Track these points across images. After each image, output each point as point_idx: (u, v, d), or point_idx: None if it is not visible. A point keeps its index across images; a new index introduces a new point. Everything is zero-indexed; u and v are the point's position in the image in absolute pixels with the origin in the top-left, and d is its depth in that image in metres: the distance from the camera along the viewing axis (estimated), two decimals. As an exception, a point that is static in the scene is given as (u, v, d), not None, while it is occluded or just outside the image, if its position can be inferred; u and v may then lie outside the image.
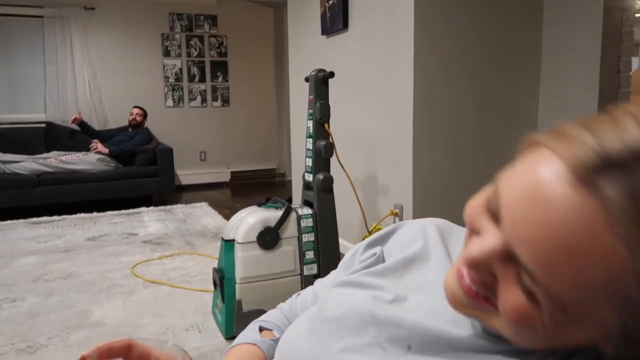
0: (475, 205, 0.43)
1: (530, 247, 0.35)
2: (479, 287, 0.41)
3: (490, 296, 0.41)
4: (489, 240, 0.40)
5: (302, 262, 2.00)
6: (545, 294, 0.35)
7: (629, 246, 0.32)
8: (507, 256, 0.38)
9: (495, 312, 0.40)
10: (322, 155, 2.07)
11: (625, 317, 0.34)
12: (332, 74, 2.08)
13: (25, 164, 4.26)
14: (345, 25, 2.76)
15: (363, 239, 0.69)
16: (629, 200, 0.32)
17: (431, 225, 0.63)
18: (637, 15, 2.33)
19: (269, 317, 0.74)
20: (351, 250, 0.69)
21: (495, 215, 0.40)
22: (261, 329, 0.71)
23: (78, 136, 4.94)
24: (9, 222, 3.92)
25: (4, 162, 4.23)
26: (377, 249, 0.64)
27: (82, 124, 4.84)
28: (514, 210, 0.37)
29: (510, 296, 0.38)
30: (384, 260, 0.63)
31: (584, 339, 0.38)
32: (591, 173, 0.33)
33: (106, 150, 4.57)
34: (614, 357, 0.38)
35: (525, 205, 0.36)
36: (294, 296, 0.77)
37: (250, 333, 0.70)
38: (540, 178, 0.36)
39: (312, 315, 0.57)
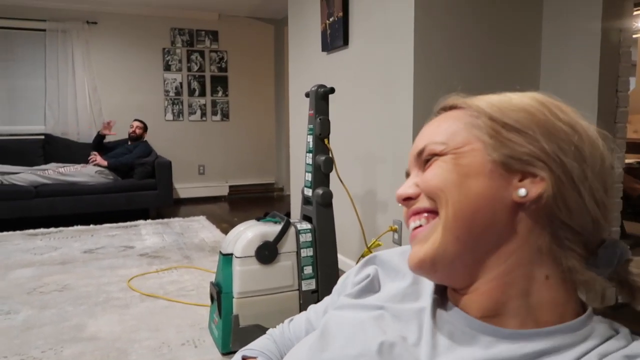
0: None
1: (420, 140, 0.55)
2: (423, 211, 0.53)
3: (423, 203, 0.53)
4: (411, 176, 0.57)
5: (301, 277, 1.98)
6: (432, 144, 0.53)
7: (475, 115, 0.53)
8: (416, 159, 0.55)
9: (435, 219, 0.51)
10: (322, 170, 2.08)
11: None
12: (332, 90, 2.10)
13: (24, 175, 4.25)
14: (345, 42, 2.79)
15: (362, 255, 0.70)
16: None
17: None
18: (634, 36, 2.36)
19: (254, 345, 0.74)
20: (343, 275, 0.70)
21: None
22: (245, 359, 0.70)
23: (76, 148, 4.94)
24: (5, 233, 3.90)
25: (2, 174, 4.22)
26: (370, 270, 0.65)
27: (102, 137, 4.82)
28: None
29: (422, 176, 0.53)
30: (379, 281, 0.64)
31: (485, 186, 0.49)
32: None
33: (105, 163, 4.57)
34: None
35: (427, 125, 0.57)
36: (286, 322, 0.77)
37: None
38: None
39: (313, 344, 0.56)
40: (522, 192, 0.47)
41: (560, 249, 0.48)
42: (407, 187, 0.54)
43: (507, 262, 0.48)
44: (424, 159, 0.53)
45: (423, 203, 0.52)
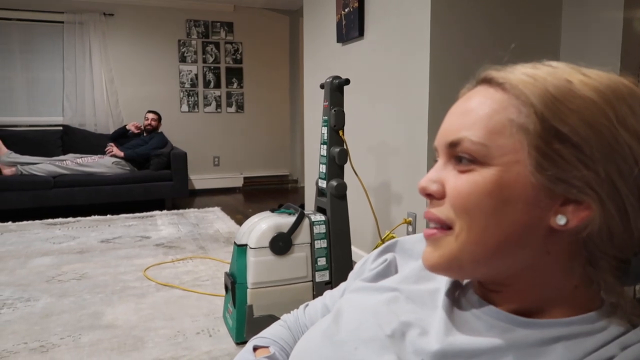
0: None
1: (454, 124, 0.48)
2: (436, 222, 0.48)
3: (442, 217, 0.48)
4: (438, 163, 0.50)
5: (314, 268, 1.99)
6: (470, 142, 0.45)
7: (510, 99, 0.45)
8: (448, 149, 0.48)
9: (450, 234, 0.46)
10: (336, 162, 2.07)
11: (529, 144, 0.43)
12: (347, 81, 2.09)
13: (42, 165, 4.32)
14: (360, 33, 2.77)
15: (376, 247, 0.70)
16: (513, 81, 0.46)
17: None
18: (657, 25, 2.30)
19: (266, 333, 0.72)
20: (362, 259, 0.69)
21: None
22: (256, 348, 0.69)
23: (94, 139, 5.01)
24: (25, 222, 3.98)
25: (22, 164, 4.29)
26: (388, 255, 0.65)
27: (126, 131, 4.96)
28: (446, 118, 0.50)
29: (453, 180, 0.46)
30: (396, 266, 0.64)
31: (521, 214, 0.43)
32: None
33: (121, 154, 4.63)
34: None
35: (452, 110, 0.50)
36: (301, 307, 0.77)
37: (244, 354, 0.68)
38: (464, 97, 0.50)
39: (327, 327, 0.56)
40: (562, 220, 0.42)
41: (594, 269, 0.44)
42: (432, 182, 0.48)
43: (532, 278, 0.46)
44: (459, 156, 0.46)
45: (446, 213, 0.47)
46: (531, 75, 0.45)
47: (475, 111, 0.46)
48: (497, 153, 0.44)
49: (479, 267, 0.46)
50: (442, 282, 0.55)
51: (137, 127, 4.98)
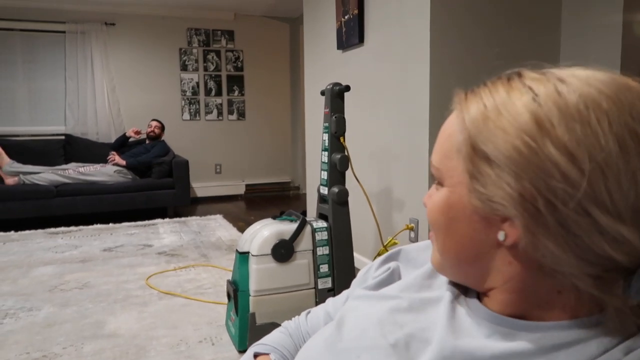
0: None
1: (434, 148, 0.52)
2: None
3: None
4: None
5: (317, 275, 1.98)
6: (433, 166, 0.51)
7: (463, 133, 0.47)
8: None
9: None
10: (338, 169, 2.07)
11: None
12: (347, 88, 2.09)
13: (45, 175, 4.33)
14: (360, 40, 2.78)
15: (378, 254, 0.70)
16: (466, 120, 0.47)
17: None
18: (657, 29, 2.30)
19: (267, 340, 0.73)
20: (365, 267, 0.70)
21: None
22: (257, 355, 0.70)
23: (96, 148, 5.02)
24: (27, 232, 3.98)
25: (24, 173, 4.30)
26: (391, 264, 0.65)
27: (127, 138, 4.97)
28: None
29: (430, 200, 0.52)
30: (399, 275, 0.64)
31: (468, 229, 0.47)
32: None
33: (123, 162, 4.64)
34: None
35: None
36: (302, 314, 0.76)
37: None
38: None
39: (329, 334, 0.56)
40: (501, 236, 0.44)
41: (564, 277, 0.43)
42: (428, 198, 0.54)
43: (514, 284, 0.46)
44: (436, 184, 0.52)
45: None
46: (481, 95, 0.47)
47: (440, 136, 0.51)
48: (447, 175, 0.49)
49: (454, 271, 0.52)
50: (444, 291, 0.55)
51: (136, 132, 4.97)
